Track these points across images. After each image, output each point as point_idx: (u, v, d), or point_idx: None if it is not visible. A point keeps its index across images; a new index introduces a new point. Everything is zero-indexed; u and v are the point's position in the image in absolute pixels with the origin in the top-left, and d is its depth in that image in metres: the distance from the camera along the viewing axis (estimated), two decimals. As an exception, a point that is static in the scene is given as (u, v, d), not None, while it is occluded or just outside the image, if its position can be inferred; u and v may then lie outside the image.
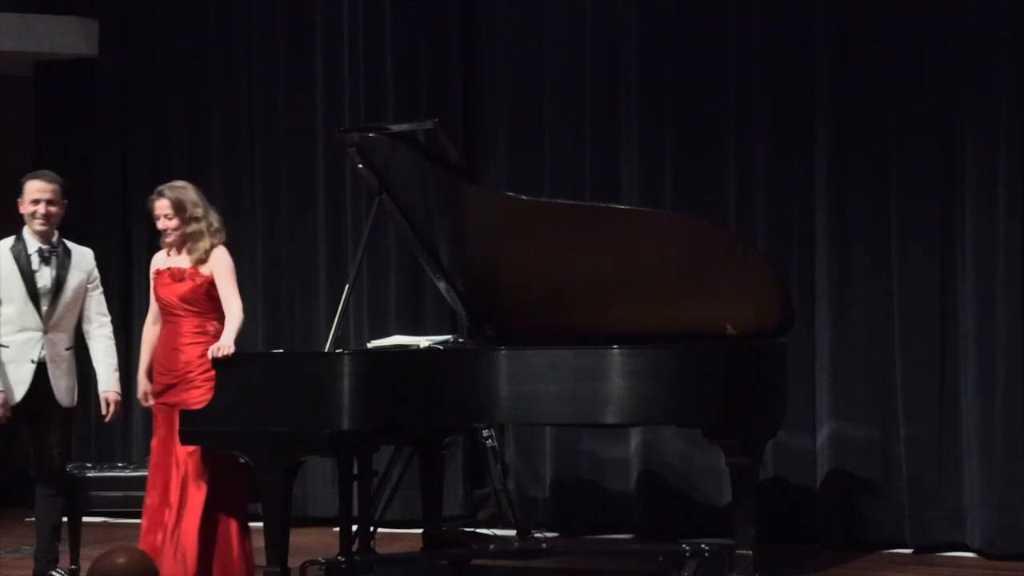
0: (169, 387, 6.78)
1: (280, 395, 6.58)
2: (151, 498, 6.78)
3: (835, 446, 7.94)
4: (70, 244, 6.94)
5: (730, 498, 7.01)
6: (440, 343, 7.19)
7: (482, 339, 7.44)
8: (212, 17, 9.62)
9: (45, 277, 6.80)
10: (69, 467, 7.28)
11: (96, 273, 6.98)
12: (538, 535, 7.88)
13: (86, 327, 6.92)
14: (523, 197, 7.21)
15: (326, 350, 6.71)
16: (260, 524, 6.69)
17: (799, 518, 8.00)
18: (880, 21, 7.89)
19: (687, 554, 6.62)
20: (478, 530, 7.88)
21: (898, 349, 7.82)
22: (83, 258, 6.95)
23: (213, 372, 6.65)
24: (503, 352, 6.65)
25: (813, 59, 8.03)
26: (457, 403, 6.69)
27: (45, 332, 6.78)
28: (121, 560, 4.07)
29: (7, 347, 6.71)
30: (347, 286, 6.88)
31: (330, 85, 9.20)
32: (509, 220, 7.03)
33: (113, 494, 7.12)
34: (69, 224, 8.95)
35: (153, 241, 6.90)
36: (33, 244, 6.82)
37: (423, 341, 7.18)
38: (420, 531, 7.62)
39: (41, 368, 6.76)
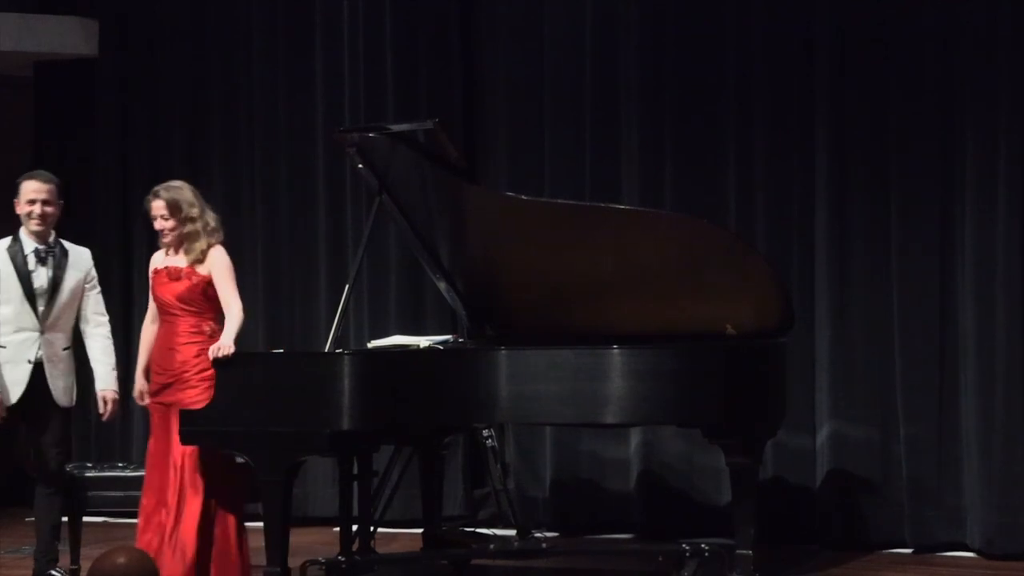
0: (165, 386, 6.78)
1: (280, 395, 6.58)
2: (147, 498, 6.78)
3: (835, 446, 7.94)
4: (67, 244, 6.94)
5: (730, 498, 7.01)
6: (440, 343, 7.19)
7: (482, 339, 7.44)
8: (212, 17, 9.62)
9: (41, 277, 6.81)
10: (69, 467, 7.29)
11: (93, 273, 6.98)
12: (538, 535, 7.88)
13: (83, 327, 6.92)
14: (523, 197, 7.21)
15: (326, 350, 6.71)
16: (260, 524, 6.69)
17: (799, 518, 8.01)
18: (880, 21, 7.90)
19: (687, 554, 6.62)
20: (478, 530, 7.88)
21: (898, 349, 7.82)
22: (80, 258, 6.95)
23: (209, 372, 6.66)
24: (503, 352, 6.65)
25: (813, 59, 8.03)
26: (457, 403, 6.69)
27: (42, 332, 6.79)
28: (121, 560, 4.07)
29: (4, 347, 6.71)
30: (347, 286, 6.88)
31: (330, 85, 9.20)
32: (509, 220, 7.03)
33: (113, 494, 7.11)
34: (69, 224, 8.97)
35: (153, 241, 6.90)
36: (29, 244, 6.82)
37: (423, 341, 7.18)
38: (420, 531, 7.62)
39: (38, 368, 6.76)
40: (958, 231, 7.73)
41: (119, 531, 7.99)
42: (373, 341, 7.50)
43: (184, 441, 6.60)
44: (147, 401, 6.93)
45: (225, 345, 6.58)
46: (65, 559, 7.07)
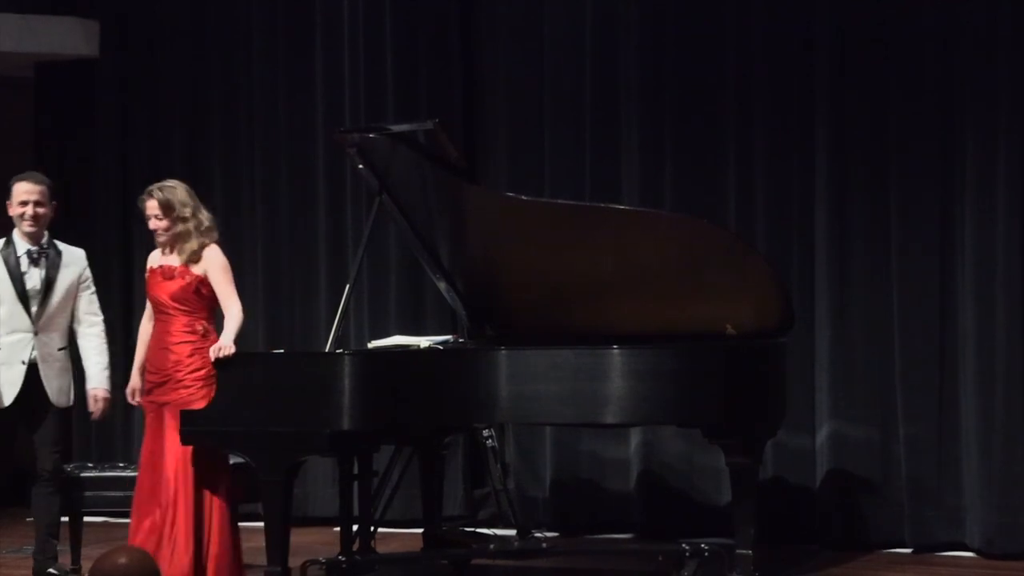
0: (157, 385, 6.77)
1: (280, 395, 6.58)
2: (139, 497, 6.78)
3: (835, 446, 7.94)
4: (61, 245, 6.96)
5: (730, 498, 7.01)
6: (440, 343, 7.19)
7: (482, 339, 7.45)
8: (212, 17, 9.63)
9: (34, 278, 6.83)
10: (70, 467, 7.30)
11: (88, 273, 6.99)
12: (538, 535, 7.88)
13: (76, 327, 6.94)
14: (523, 197, 7.21)
15: (327, 350, 6.71)
16: (261, 524, 6.70)
17: (799, 518, 8.01)
18: (880, 21, 7.90)
19: (687, 554, 6.62)
20: (478, 530, 7.88)
21: (898, 349, 7.82)
22: (74, 258, 6.96)
23: (203, 372, 6.67)
24: (503, 352, 6.65)
25: (813, 59, 8.03)
26: (457, 403, 6.70)
27: (35, 333, 6.81)
28: (122, 560, 4.07)
29: None
30: (347, 286, 6.88)
31: (330, 85, 9.20)
32: (509, 220, 7.03)
33: (113, 494, 7.12)
34: (69, 224, 8.99)
35: (152, 241, 6.90)
36: (22, 246, 6.84)
37: (423, 341, 7.18)
38: (420, 531, 7.63)
39: (32, 369, 6.79)
40: (958, 231, 7.73)
41: (119, 531, 7.97)
42: (373, 341, 7.51)
43: (184, 441, 6.60)
44: (138, 399, 6.93)
45: (225, 345, 6.58)
46: (66, 559, 7.09)
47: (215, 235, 6.84)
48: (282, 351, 7.97)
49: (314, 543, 7.86)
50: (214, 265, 6.75)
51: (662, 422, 7.62)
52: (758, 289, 6.82)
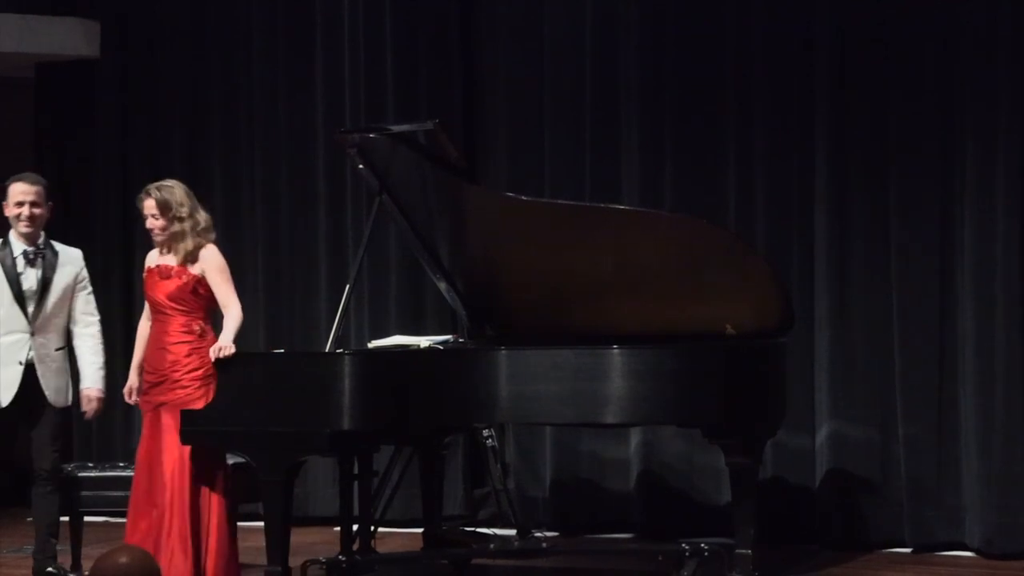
0: (154, 385, 6.77)
1: (281, 395, 6.58)
2: (135, 496, 6.78)
3: (834, 446, 7.94)
4: (58, 245, 6.96)
5: (730, 498, 7.01)
6: (440, 343, 7.20)
7: (482, 339, 7.45)
8: (212, 17, 9.63)
9: (30, 279, 6.83)
10: (70, 466, 7.30)
11: (84, 274, 7.00)
12: (538, 535, 7.89)
13: (72, 327, 6.95)
14: (523, 197, 7.21)
15: (327, 350, 6.71)
16: (261, 524, 6.70)
17: (799, 518, 8.01)
18: (880, 21, 7.90)
19: (687, 554, 6.62)
20: (478, 529, 7.89)
21: (897, 349, 7.83)
22: (71, 258, 6.97)
23: (200, 372, 6.67)
24: (503, 352, 6.66)
25: (813, 59, 8.03)
26: (457, 403, 6.70)
27: (32, 334, 6.81)
28: (123, 559, 4.07)
29: None
30: (348, 286, 6.89)
31: (330, 85, 9.20)
32: (509, 220, 7.04)
33: (114, 494, 7.12)
34: (69, 224, 8.99)
35: (151, 241, 6.91)
36: (18, 247, 6.85)
37: (423, 341, 7.18)
38: (420, 530, 7.63)
39: (30, 369, 6.80)
40: (958, 231, 7.73)
41: (120, 531, 7.96)
42: (373, 341, 7.51)
43: (184, 441, 6.61)
44: (135, 399, 6.94)
45: (225, 345, 6.59)
46: (66, 559, 7.09)
47: (212, 236, 6.83)
48: (282, 351, 7.97)
49: (314, 543, 7.87)
50: (211, 265, 6.75)
51: (662, 422, 7.62)
52: (758, 289, 6.82)
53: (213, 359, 6.59)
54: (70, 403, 6.96)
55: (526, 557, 7.20)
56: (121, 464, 7.70)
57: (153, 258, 6.89)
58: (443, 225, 7.33)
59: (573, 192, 8.43)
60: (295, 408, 6.53)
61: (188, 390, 6.68)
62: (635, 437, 8.38)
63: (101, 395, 6.98)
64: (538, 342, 6.92)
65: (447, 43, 9.00)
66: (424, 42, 9.01)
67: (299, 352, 8.22)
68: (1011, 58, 7.57)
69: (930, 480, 7.76)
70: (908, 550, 7.77)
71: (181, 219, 6.75)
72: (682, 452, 8.24)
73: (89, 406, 6.96)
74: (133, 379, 6.94)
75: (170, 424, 6.67)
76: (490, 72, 8.94)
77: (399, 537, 8.32)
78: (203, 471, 6.69)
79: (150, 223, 6.82)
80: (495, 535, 7.47)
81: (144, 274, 6.91)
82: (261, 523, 6.71)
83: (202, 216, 6.82)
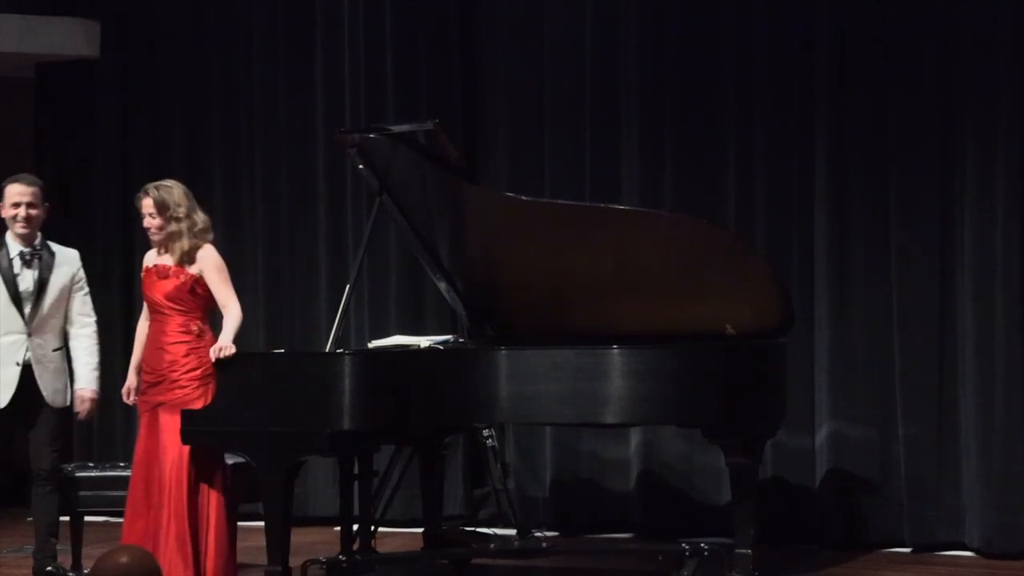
0: (152, 385, 6.76)
1: (281, 395, 6.58)
2: (132, 496, 6.78)
3: (834, 446, 7.94)
4: (54, 246, 6.97)
5: (730, 498, 7.02)
6: (440, 343, 7.20)
7: (482, 339, 7.45)
8: (212, 17, 9.63)
9: (27, 280, 6.84)
10: (71, 466, 7.30)
11: (81, 274, 7.00)
12: (538, 534, 7.89)
13: (68, 328, 6.95)
14: (523, 197, 7.21)
15: (327, 350, 6.71)
16: (261, 524, 6.70)
17: (799, 518, 8.01)
18: (880, 21, 7.90)
19: (687, 553, 6.62)
20: (478, 529, 7.89)
21: (897, 349, 7.83)
22: (67, 259, 6.97)
23: (198, 372, 6.67)
24: (503, 352, 6.66)
25: (813, 59, 8.03)
26: (457, 403, 6.70)
27: (29, 335, 6.81)
28: (124, 559, 4.06)
29: None
30: (348, 286, 6.89)
31: (330, 85, 9.20)
32: (509, 220, 7.04)
33: (114, 494, 7.12)
34: (69, 224, 8.99)
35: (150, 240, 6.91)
36: (15, 248, 6.85)
37: (424, 341, 7.18)
38: (421, 530, 7.63)
39: (27, 370, 6.80)
40: (958, 231, 7.73)
41: (120, 531, 7.98)
42: (374, 341, 7.51)
43: (184, 440, 6.60)
44: (132, 399, 6.93)
45: (225, 345, 6.58)
46: (67, 559, 7.09)
47: (209, 237, 6.82)
48: (282, 351, 7.97)
49: (315, 543, 7.87)
50: (209, 265, 6.74)
51: (662, 422, 7.62)
52: (758, 289, 6.82)
53: (213, 359, 6.59)
54: (68, 403, 6.96)
55: (526, 557, 7.20)
56: (121, 464, 7.70)
57: (151, 258, 6.89)
58: (443, 225, 7.33)
59: (573, 192, 8.43)
60: (295, 408, 6.53)
61: (186, 390, 6.68)
62: (635, 437, 8.38)
63: (95, 396, 6.99)
64: (538, 342, 6.92)
65: (447, 43, 9.00)
66: (424, 42, 9.01)
67: (299, 352, 8.22)
68: (1011, 58, 7.57)
69: (930, 480, 7.76)
70: (908, 550, 7.77)
71: (178, 219, 6.74)
72: (682, 452, 8.24)
73: (82, 406, 6.96)
74: (132, 379, 6.94)
75: (168, 424, 6.66)
76: (490, 72, 8.94)
77: (399, 537, 8.32)
78: (202, 471, 6.68)
79: (147, 222, 6.81)
80: (495, 535, 7.46)
81: (142, 274, 6.91)
82: (261, 523, 6.71)
83: (200, 217, 6.81)
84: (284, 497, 6.57)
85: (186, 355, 6.70)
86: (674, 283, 6.88)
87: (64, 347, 6.94)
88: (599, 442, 8.49)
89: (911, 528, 7.77)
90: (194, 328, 6.74)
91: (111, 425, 9.49)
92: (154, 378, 6.75)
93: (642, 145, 8.43)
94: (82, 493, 7.19)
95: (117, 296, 9.53)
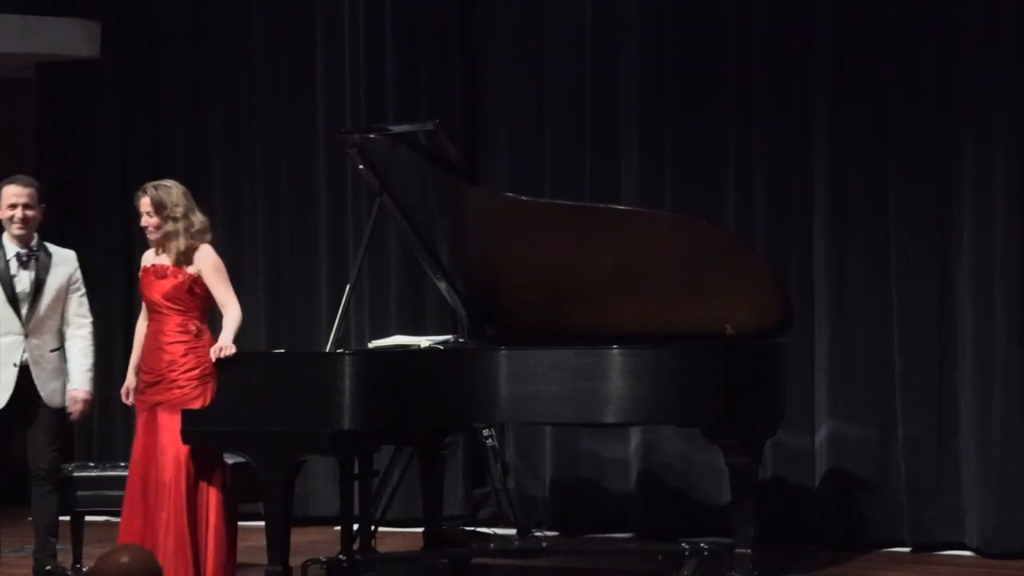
0: (151, 385, 6.75)
1: (281, 395, 6.58)
2: (130, 496, 6.78)
3: (834, 446, 7.94)
4: (51, 247, 6.97)
5: (730, 498, 7.02)
6: (440, 343, 7.20)
7: (482, 339, 7.45)
8: (212, 17, 9.63)
9: (24, 281, 6.84)
10: (71, 466, 7.30)
11: (78, 275, 7.00)
12: (538, 534, 7.89)
13: (64, 329, 6.95)
14: (523, 197, 7.22)
15: (327, 350, 6.72)
16: (261, 523, 6.70)
17: (798, 518, 8.01)
18: (880, 21, 7.90)
19: (687, 553, 6.63)
20: (478, 529, 7.89)
21: (897, 349, 7.83)
22: (64, 259, 6.97)
23: (197, 371, 6.66)
24: (503, 352, 6.66)
25: (813, 59, 8.04)
26: (458, 403, 6.71)
27: (26, 336, 6.81)
28: (125, 559, 4.06)
29: None
30: (348, 286, 6.89)
31: (330, 85, 9.21)
32: (509, 220, 7.04)
33: (114, 493, 7.12)
34: (69, 224, 9.00)
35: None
36: (11, 249, 6.86)
37: (424, 341, 7.19)
38: (421, 530, 7.64)
39: (24, 371, 6.80)
40: (958, 231, 7.73)
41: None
42: (374, 341, 7.51)
43: (185, 440, 6.60)
44: (131, 399, 6.94)
45: (225, 345, 6.58)
46: (67, 558, 7.09)
47: (207, 237, 6.80)
48: (282, 351, 7.97)
49: (315, 542, 7.88)
50: (207, 265, 6.73)
51: (662, 422, 7.63)
52: (758, 289, 6.83)
53: (214, 359, 6.59)
54: (66, 403, 6.96)
55: (526, 557, 7.20)
56: (121, 464, 7.69)
57: (149, 258, 6.88)
58: (443, 225, 7.34)
59: (573, 192, 8.44)
60: (295, 408, 6.53)
61: (185, 390, 6.67)
62: (635, 437, 8.38)
63: (88, 396, 6.98)
64: (538, 342, 6.93)
65: (447, 43, 9.01)
66: (424, 42, 9.01)
67: (299, 352, 8.22)
68: (1011, 58, 7.58)
69: (929, 480, 7.77)
70: (907, 550, 7.78)
71: (175, 219, 6.74)
72: (682, 452, 8.25)
73: (75, 407, 6.96)
74: (131, 379, 6.94)
75: (167, 424, 6.66)
76: (490, 72, 8.95)
77: (399, 537, 8.33)
78: (201, 471, 6.68)
79: (144, 221, 6.81)
80: (495, 535, 7.47)
81: (140, 273, 6.91)
82: (261, 523, 6.71)
83: (198, 218, 6.79)
84: (284, 497, 6.58)
85: (184, 355, 6.69)
86: (674, 283, 6.89)
87: (61, 348, 6.94)
88: (599, 442, 8.49)
89: (911, 528, 7.77)
90: (192, 328, 6.73)
91: (111, 425, 9.49)
92: (152, 378, 6.75)
93: (642, 145, 8.43)
94: (82, 493, 7.19)
95: (117, 296, 9.54)
